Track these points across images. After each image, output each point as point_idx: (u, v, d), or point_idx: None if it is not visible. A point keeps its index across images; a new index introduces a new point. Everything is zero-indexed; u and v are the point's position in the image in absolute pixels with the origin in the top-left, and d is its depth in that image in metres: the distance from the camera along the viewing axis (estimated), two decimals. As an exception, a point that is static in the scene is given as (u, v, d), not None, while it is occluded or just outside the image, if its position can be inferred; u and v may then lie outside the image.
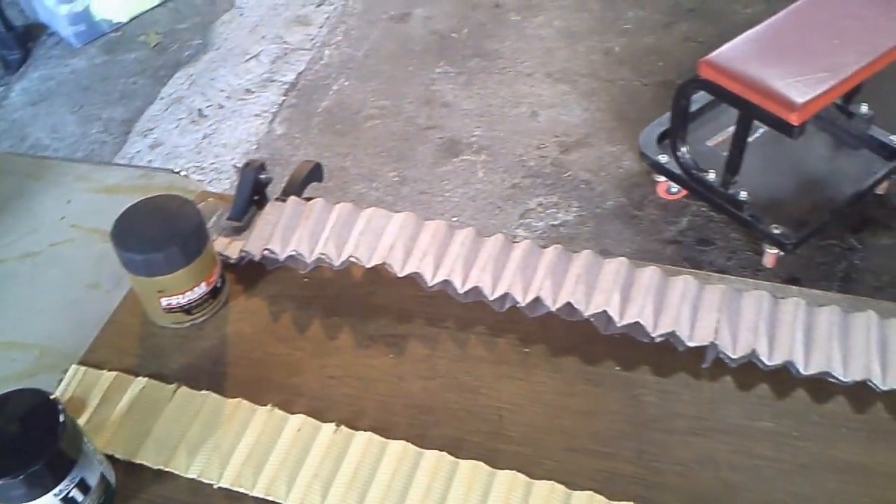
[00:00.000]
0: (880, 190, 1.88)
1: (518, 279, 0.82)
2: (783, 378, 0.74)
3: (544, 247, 0.84)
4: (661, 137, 1.91)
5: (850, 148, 1.88)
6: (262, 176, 0.93)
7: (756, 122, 1.56)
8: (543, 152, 2.23)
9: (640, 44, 2.63)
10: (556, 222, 2.00)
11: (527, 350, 0.79)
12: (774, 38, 1.56)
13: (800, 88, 1.43)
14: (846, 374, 0.73)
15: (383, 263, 0.83)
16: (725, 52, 1.56)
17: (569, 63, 2.58)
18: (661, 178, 1.93)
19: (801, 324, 0.76)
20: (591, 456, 0.69)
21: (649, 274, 0.81)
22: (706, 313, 0.78)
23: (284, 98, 2.61)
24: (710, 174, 1.71)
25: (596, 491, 0.66)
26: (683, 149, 1.74)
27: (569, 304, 0.79)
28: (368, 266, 0.83)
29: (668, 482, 0.67)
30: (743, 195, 1.66)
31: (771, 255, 1.72)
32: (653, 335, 0.77)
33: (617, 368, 0.77)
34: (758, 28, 1.61)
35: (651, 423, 0.72)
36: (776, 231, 1.64)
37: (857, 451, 0.68)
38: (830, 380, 0.73)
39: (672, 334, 0.77)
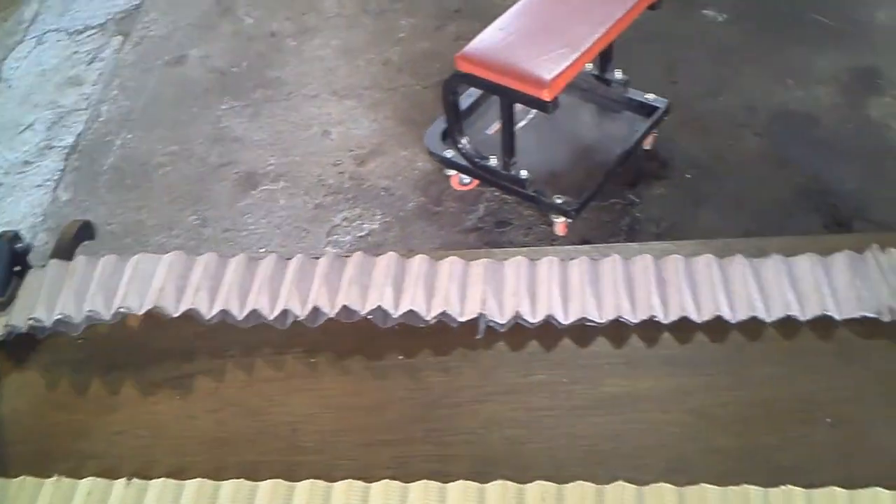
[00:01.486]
0: (647, 145, 2.04)
1: (294, 293, 0.83)
2: (549, 331, 0.79)
3: (317, 258, 0.86)
4: (445, 134, 1.98)
5: (613, 112, 2.02)
6: (19, 246, 0.89)
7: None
8: (340, 168, 2.26)
9: (415, 50, 2.70)
10: (362, 233, 2.03)
11: (313, 360, 0.80)
12: (518, 24, 1.66)
13: (546, 66, 1.53)
14: (601, 315, 0.79)
15: (155, 307, 0.82)
16: (476, 45, 1.64)
17: (351, 79, 2.62)
18: (452, 172, 2.00)
19: (556, 279, 0.82)
20: (385, 446, 0.72)
21: (418, 262, 0.85)
22: (472, 288, 0.82)
23: (66, 163, 2.49)
24: (492, 160, 1.79)
25: (392, 478, 0.68)
26: (463, 140, 1.81)
27: (345, 307, 0.81)
28: (141, 313, 0.82)
29: (458, 452, 0.71)
30: (524, 174, 1.75)
31: (560, 223, 1.82)
32: (427, 319, 0.81)
33: (400, 357, 0.80)
34: (502, 17, 1.70)
35: (438, 402, 0.75)
36: (558, 201, 1.74)
37: (620, 383, 0.75)
38: (588, 324, 0.79)
39: (444, 314, 0.80)
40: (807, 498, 0.63)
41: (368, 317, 0.81)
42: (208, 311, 0.82)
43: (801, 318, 0.77)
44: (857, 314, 0.76)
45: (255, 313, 0.82)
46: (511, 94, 1.59)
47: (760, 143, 2.08)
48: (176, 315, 0.82)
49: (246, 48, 2.84)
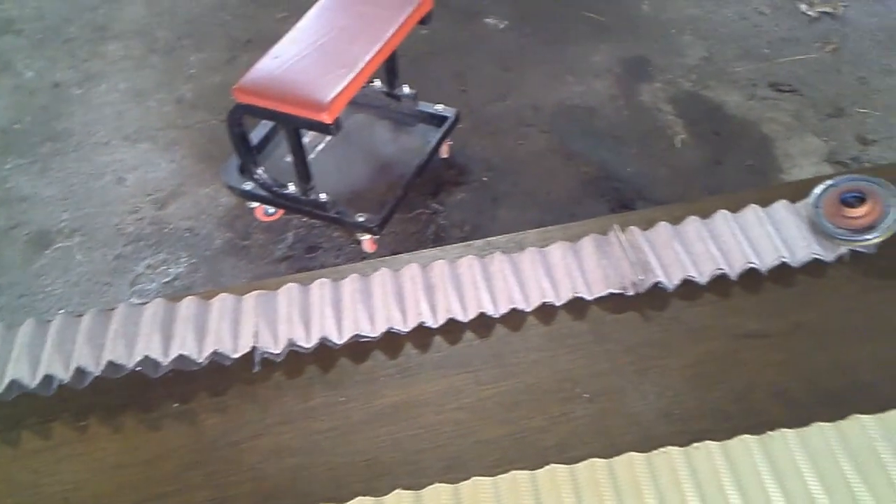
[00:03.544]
0: (444, 154, 2.10)
1: (56, 357, 0.79)
2: (325, 353, 0.80)
3: (80, 315, 0.83)
4: (242, 167, 1.95)
5: (407, 126, 2.06)
6: None
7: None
8: (139, 214, 2.17)
9: (208, 84, 2.65)
10: (168, 279, 1.96)
11: (83, 423, 0.77)
12: (292, 50, 1.66)
13: (323, 89, 1.54)
14: (374, 329, 0.81)
15: None
16: (252, 75, 1.63)
17: (143, 121, 2.53)
18: (255, 204, 1.97)
19: (328, 300, 0.83)
20: (162, 499, 0.70)
21: (186, 304, 0.83)
22: (245, 322, 0.82)
23: None
24: (290, 187, 1.78)
25: (169, 530, 0.66)
26: (259, 171, 1.79)
27: (111, 363, 0.78)
28: None
29: (239, 492, 0.69)
30: (323, 197, 1.75)
31: (366, 240, 1.84)
32: (200, 361, 0.79)
33: (175, 405, 0.77)
34: (277, 45, 1.70)
35: (216, 443, 0.74)
36: (360, 219, 1.76)
37: (396, 393, 0.76)
38: (363, 339, 0.80)
39: (217, 353, 0.79)
40: (570, 473, 0.67)
41: (138, 368, 0.79)
42: (-38, 389, 0.77)
43: (557, 303, 0.81)
44: (605, 292, 0.81)
45: (15, 383, 0.78)
46: (293, 120, 1.59)
47: (548, 140, 2.18)
48: (-74, 398, 0.76)
49: (28, 102, 2.69)
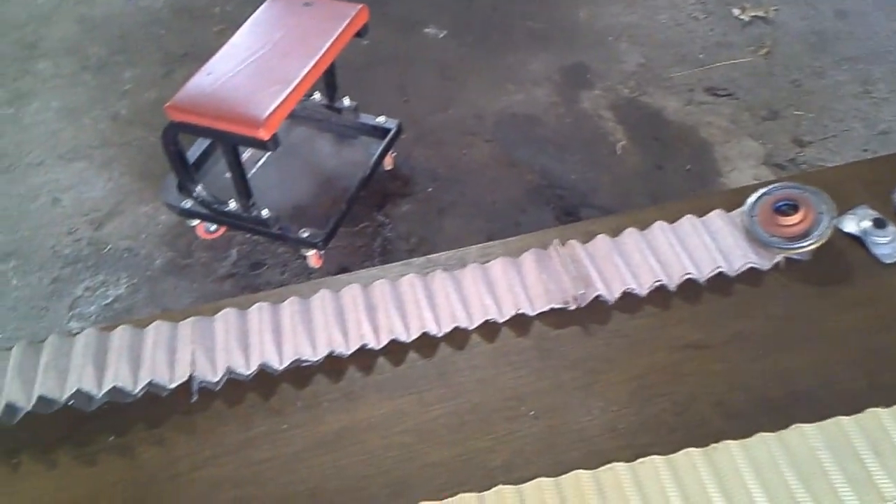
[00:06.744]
0: (388, 165, 2.09)
1: (-17, 394, 0.76)
2: (266, 380, 0.78)
3: (9, 349, 0.80)
4: (181, 185, 1.91)
5: (350, 139, 2.05)
6: None
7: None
8: (76, 235, 2.11)
9: (144, 100, 2.60)
10: (108, 300, 1.91)
11: (15, 461, 0.74)
12: (226, 66, 1.64)
13: (259, 105, 1.52)
14: (315, 353, 0.79)
15: None
16: (186, 92, 1.60)
17: (78, 140, 2.47)
18: (196, 222, 1.93)
19: (267, 325, 0.81)
20: (98, 538, 0.67)
21: (119, 334, 0.81)
22: (181, 350, 0.80)
23: None
24: (231, 204, 1.75)
25: (106, 571, 0.64)
26: (197, 189, 1.76)
27: (42, 398, 0.75)
28: None
29: (180, 526, 0.68)
30: (265, 213, 1.73)
31: (312, 256, 1.82)
32: (135, 393, 0.77)
33: (112, 438, 0.75)
34: (210, 62, 1.67)
35: (154, 478, 0.71)
36: (304, 234, 1.74)
37: (340, 418, 0.75)
38: (303, 364, 0.79)
39: (153, 384, 0.77)
40: (517, 493, 0.67)
41: (71, 402, 0.76)
42: None
43: (500, 319, 0.81)
44: (547, 307, 0.81)
45: (-64, 425, 0.75)
46: (229, 137, 1.56)
47: (491, 148, 2.19)
48: None
49: (-45, 126, 2.60)
